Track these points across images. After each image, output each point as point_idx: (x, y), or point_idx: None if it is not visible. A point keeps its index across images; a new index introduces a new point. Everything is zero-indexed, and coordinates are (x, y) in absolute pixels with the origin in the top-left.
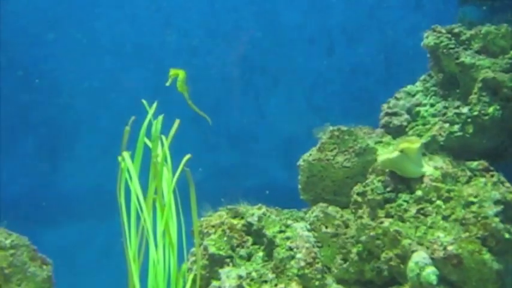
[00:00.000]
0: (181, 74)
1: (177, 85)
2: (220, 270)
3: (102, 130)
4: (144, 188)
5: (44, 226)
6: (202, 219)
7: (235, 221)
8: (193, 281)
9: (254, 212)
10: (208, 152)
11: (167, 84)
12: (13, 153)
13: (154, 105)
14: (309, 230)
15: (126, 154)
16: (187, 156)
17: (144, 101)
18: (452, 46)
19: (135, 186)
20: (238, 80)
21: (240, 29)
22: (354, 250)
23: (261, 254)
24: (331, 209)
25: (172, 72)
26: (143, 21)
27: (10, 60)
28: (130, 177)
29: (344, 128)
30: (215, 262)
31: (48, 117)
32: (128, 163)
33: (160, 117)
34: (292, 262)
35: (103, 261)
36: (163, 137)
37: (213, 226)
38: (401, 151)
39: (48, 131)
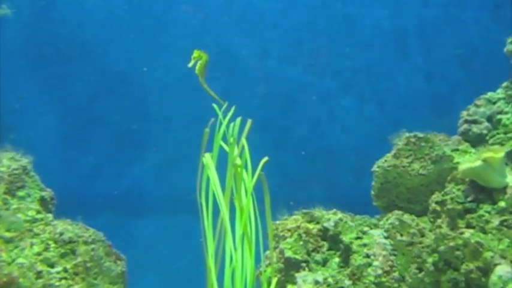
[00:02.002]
0: (204, 57)
1: (196, 67)
2: (297, 275)
3: (176, 131)
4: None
5: (116, 222)
6: (277, 222)
7: (310, 226)
8: (269, 283)
9: (330, 217)
10: (277, 156)
11: (189, 65)
12: (86, 150)
13: (232, 108)
14: (385, 238)
15: (208, 155)
16: (265, 159)
17: (214, 105)
18: None
19: (217, 188)
20: (310, 83)
21: (314, 32)
22: (430, 260)
23: (336, 259)
24: (406, 217)
25: (196, 54)
26: (217, 23)
27: (86, 61)
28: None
29: (420, 135)
30: (291, 266)
31: (124, 117)
32: (210, 164)
33: (239, 120)
34: (369, 269)
35: (174, 259)
36: (243, 139)
37: (289, 230)
38: (484, 160)
39: (123, 130)
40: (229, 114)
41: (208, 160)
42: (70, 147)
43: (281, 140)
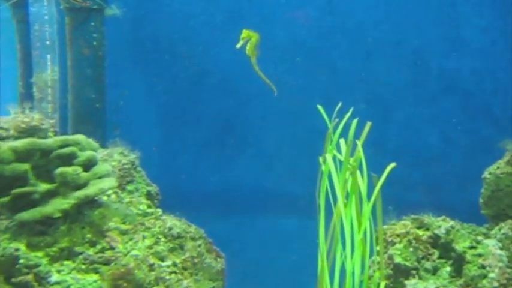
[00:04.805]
0: (254, 37)
1: (246, 47)
2: (406, 282)
3: (275, 128)
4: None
5: (214, 219)
6: (385, 227)
7: (420, 232)
8: None
9: (441, 224)
10: (376, 159)
11: (237, 46)
12: (186, 147)
13: (351, 109)
14: (500, 248)
15: (328, 156)
16: (392, 165)
17: (319, 106)
18: None
19: (338, 190)
20: (412, 85)
21: (416, 33)
22: None
23: (448, 268)
24: None
25: (245, 34)
26: (317, 24)
27: (187, 59)
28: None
29: None
30: (400, 273)
31: (222, 115)
32: (331, 166)
33: (355, 120)
34: (484, 281)
35: (273, 257)
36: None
37: (398, 235)
38: None
39: (220, 128)
40: (347, 115)
41: (330, 162)
42: (171, 143)
43: (381, 143)
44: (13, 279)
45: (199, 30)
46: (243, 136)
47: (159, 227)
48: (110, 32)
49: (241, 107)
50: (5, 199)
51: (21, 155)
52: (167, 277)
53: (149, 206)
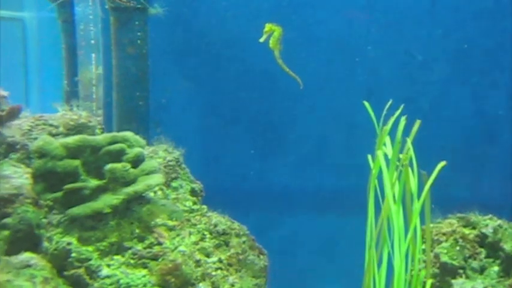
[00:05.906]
0: (277, 31)
1: (270, 41)
2: (453, 281)
3: (314, 128)
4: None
5: (255, 216)
6: (431, 225)
7: (467, 231)
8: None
9: (488, 223)
10: (420, 157)
11: (261, 40)
12: (228, 146)
13: (401, 106)
14: None
15: (380, 153)
16: (443, 163)
17: (366, 103)
18: None
19: (387, 188)
20: (455, 82)
21: (459, 29)
22: None
23: (495, 268)
24: None
25: (268, 27)
26: (359, 22)
27: (230, 57)
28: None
29: None
30: (447, 272)
31: (262, 113)
32: (382, 163)
33: (404, 118)
34: None
35: (316, 258)
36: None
37: (444, 234)
38: None
39: (262, 126)
40: (397, 112)
41: (381, 159)
42: (212, 141)
43: (425, 141)
44: (65, 273)
45: (242, 28)
46: (285, 133)
47: (205, 224)
48: (153, 30)
49: (284, 105)
50: (58, 194)
51: (72, 152)
52: (213, 273)
53: (195, 203)
